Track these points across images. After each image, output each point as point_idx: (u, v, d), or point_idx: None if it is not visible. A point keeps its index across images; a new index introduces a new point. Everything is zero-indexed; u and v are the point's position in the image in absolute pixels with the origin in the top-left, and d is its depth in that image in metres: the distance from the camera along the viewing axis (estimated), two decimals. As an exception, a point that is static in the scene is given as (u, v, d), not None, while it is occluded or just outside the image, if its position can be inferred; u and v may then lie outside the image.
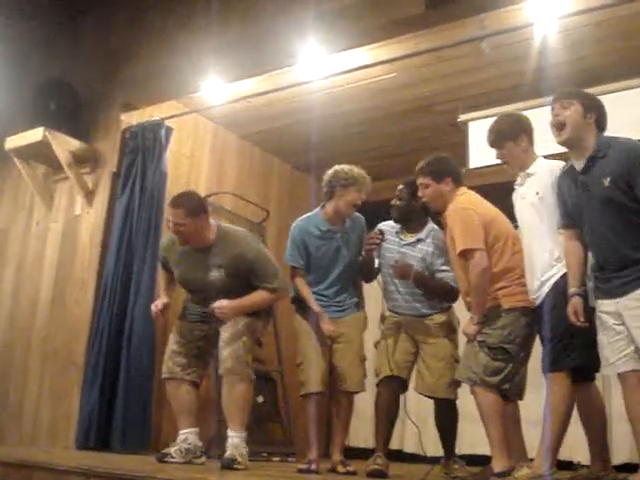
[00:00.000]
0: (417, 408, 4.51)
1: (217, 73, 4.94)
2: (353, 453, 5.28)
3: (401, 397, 4.07)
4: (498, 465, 3.36)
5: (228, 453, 3.80)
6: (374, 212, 4.40)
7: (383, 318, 4.26)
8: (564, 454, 4.58)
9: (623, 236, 3.07)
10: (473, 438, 5.06)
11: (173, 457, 4.00)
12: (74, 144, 5.48)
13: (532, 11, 4.01)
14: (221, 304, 3.98)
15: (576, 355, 3.23)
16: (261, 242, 4.68)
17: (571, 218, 3.28)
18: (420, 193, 3.89)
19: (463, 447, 4.83)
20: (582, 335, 3.19)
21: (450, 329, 4.04)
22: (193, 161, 5.77)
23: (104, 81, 5.72)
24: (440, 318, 4.04)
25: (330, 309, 4.19)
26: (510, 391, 3.52)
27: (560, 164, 3.46)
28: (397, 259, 4.05)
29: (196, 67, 5.06)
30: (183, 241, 4.03)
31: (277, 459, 5.05)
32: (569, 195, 3.28)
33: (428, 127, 5.76)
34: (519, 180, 3.63)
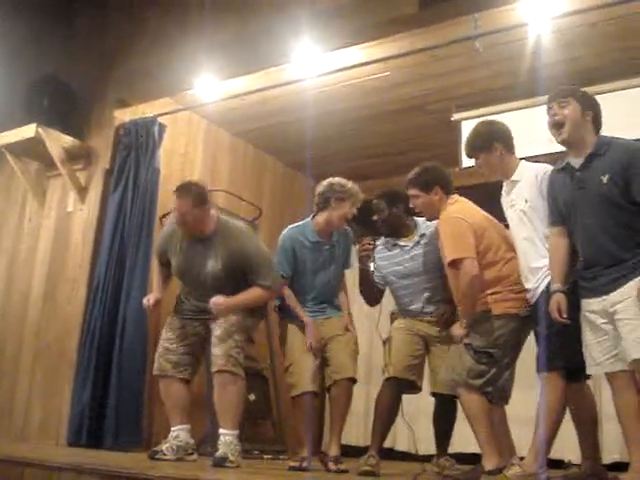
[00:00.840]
0: (408, 408, 4.51)
1: (211, 71, 4.94)
2: (344, 451, 5.28)
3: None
4: (489, 463, 3.38)
5: (220, 451, 3.80)
6: (366, 211, 4.40)
7: (393, 316, 4.27)
8: (555, 453, 4.59)
9: (613, 235, 3.08)
10: (464, 437, 5.07)
11: (165, 454, 4.01)
12: (67, 141, 5.47)
13: (526, 11, 4.02)
14: (217, 300, 3.99)
15: (569, 354, 3.23)
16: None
17: (561, 215, 3.28)
18: (411, 204, 3.93)
19: (454, 445, 4.83)
20: (575, 335, 3.19)
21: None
22: (186, 158, 5.76)
23: (98, 78, 5.71)
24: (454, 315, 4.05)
25: (315, 313, 4.24)
26: (493, 395, 3.53)
27: (545, 167, 3.48)
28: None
29: (190, 64, 5.06)
30: (186, 231, 4.07)
31: (269, 457, 5.05)
32: (561, 192, 3.28)
33: (421, 126, 5.77)
34: (505, 187, 3.65)
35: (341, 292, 4.41)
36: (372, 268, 4.17)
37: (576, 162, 3.23)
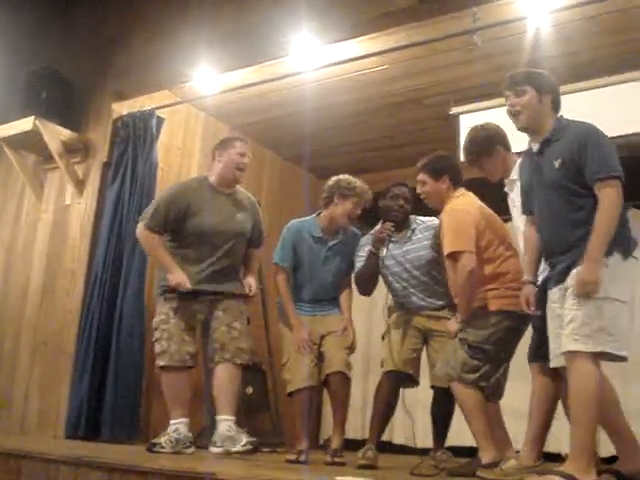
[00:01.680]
0: (406, 400, 4.51)
1: (209, 63, 4.93)
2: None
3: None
4: (485, 456, 3.38)
5: (249, 438, 3.86)
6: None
7: (389, 310, 4.28)
8: (552, 446, 4.61)
9: (567, 221, 2.98)
10: (461, 430, 5.08)
11: (163, 447, 4.01)
12: (65, 133, 5.46)
13: (524, 4, 4.02)
14: (252, 286, 4.24)
15: (544, 346, 3.17)
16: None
17: (530, 203, 3.23)
18: (418, 189, 3.93)
19: (451, 439, 4.84)
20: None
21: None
22: (184, 151, 5.75)
23: (96, 70, 5.70)
24: (448, 309, 4.06)
25: (314, 310, 4.27)
26: (486, 390, 3.54)
27: None
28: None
29: (188, 57, 5.05)
30: (240, 178, 4.27)
31: (266, 450, 5.06)
32: (524, 178, 3.26)
33: (419, 120, 5.76)
34: (507, 187, 3.65)
35: (344, 293, 4.39)
36: (384, 253, 4.09)
37: (535, 146, 3.17)
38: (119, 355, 4.81)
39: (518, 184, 3.44)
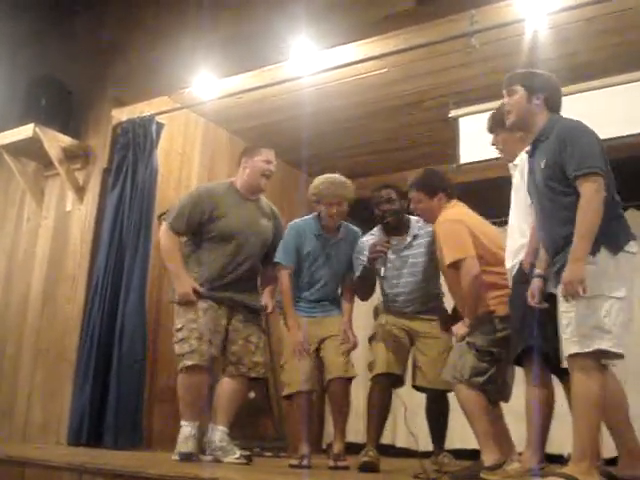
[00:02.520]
0: (407, 403, 4.51)
1: (208, 69, 4.93)
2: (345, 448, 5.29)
3: (394, 393, 4.10)
4: (488, 459, 3.38)
5: (242, 452, 3.89)
6: (364, 207, 4.41)
7: (376, 312, 4.28)
8: (556, 448, 4.60)
9: (556, 219, 2.98)
10: (464, 432, 5.08)
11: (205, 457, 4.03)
12: (65, 140, 5.46)
13: (522, 7, 4.02)
14: (269, 306, 4.24)
15: (522, 344, 3.17)
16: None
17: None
18: (412, 207, 3.93)
19: (454, 441, 4.84)
20: (532, 323, 3.12)
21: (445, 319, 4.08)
22: (184, 157, 5.76)
23: (95, 77, 5.70)
24: (436, 311, 4.08)
25: (315, 310, 4.24)
26: (492, 393, 3.54)
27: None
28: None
29: (187, 63, 5.05)
30: (262, 188, 4.29)
31: (269, 454, 5.06)
32: (527, 180, 3.24)
33: (419, 123, 5.77)
34: (512, 171, 3.63)
35: (346, 295, 4.38)
36: (382, 273, 4.04)
37: (529, 147, 3.19)
38: (121, 361, 4.80)
39: (516, 172, 3.47)
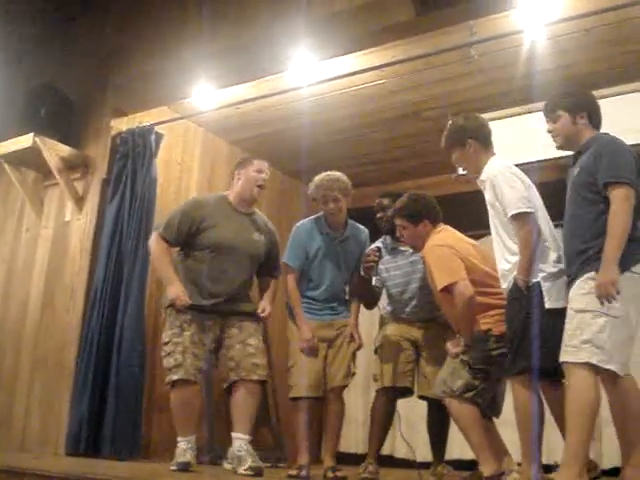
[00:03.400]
0: (407, 414, 4.51)
1: (208, 79, 4.95)
2: (341, 457, 5.28)
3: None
4: (486, 469, 3.38)
5: (254, 462, 3.80)
6: (364, 217, 4.42)
7: (382, 321, 4.28)
8: (554, 456, 4.59)
9: (577, 228, 3.08)
10: (462, 443, 5.08)
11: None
12: (64, 150, 5.46)
13: (521, 18, 4.04)
14: (266, 309, 4.19)
15: (528, 357, 3.17)
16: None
17: None
18: (398, 233, 3.96)
19: (452, 452, 4.83)
20: (533, 337, 3.15)
21: (451, 329, 4.07)
22: (183, 167, 5.77)
23: (95, 87, 5.71)
24: (442, 320, 4.06)
25: (324, 312, 4.23)
26: (482, 407, 3.53)
27: (499, 164, 3.47)
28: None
29: (187, 73, 5.07)
30: (255, 199, 4.27)
31: (268, 464, 5.04)
32: (567, 188, 3.32)
33: (417, 133, 5.77)
34: (481, 186, 3.62)
35: (353, 295, 4.38)
36: (374, 282, 4.13)
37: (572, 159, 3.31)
38: (119, 371, 4.79)
39: (483, 187, 3.49)
